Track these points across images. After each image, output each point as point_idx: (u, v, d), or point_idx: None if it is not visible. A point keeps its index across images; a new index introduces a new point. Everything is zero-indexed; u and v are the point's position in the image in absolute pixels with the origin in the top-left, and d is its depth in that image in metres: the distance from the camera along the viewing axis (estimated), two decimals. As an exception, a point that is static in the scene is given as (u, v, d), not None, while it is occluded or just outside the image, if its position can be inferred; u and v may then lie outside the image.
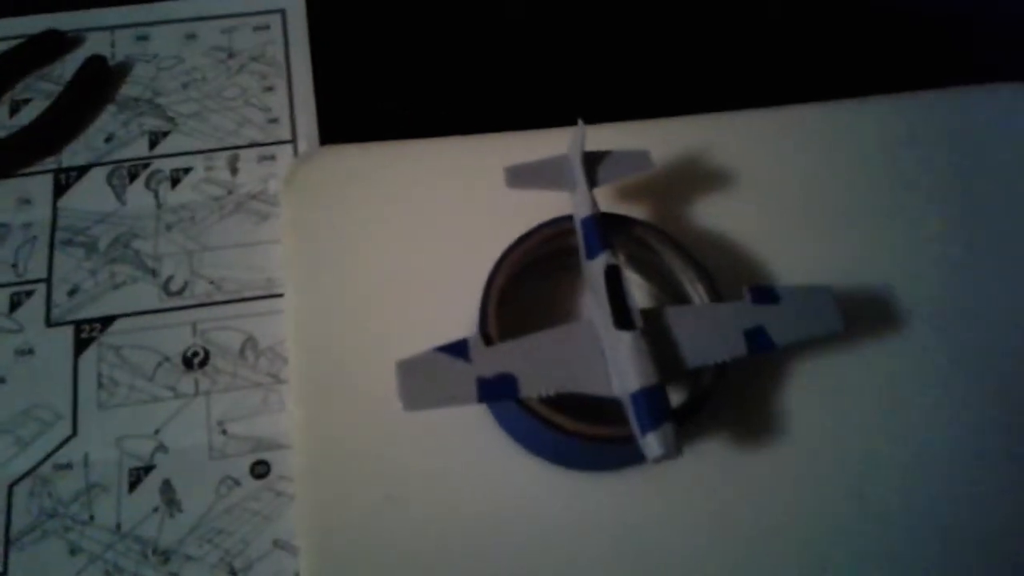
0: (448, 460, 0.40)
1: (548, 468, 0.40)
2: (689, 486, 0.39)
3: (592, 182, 0.41)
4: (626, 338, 0.36)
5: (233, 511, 0.39)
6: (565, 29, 0.54)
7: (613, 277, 0.38)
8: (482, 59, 0.53)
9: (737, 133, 0.48)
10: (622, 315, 0.37)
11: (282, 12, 0.53)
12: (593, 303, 0.39)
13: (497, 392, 0.36)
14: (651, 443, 0.34)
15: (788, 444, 0.40)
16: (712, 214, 0.46)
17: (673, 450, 0.34)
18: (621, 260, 0.40)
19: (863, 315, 0.43)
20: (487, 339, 0.38)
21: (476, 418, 0.40)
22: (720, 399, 0.39)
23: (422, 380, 0.36)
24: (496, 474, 0.40)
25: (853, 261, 0.45)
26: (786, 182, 0.47)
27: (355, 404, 0.40)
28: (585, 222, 0.40)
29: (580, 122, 0.41)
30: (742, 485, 0.39)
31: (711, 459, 0.40)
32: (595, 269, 0.39)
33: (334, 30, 0.53)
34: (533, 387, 0.36)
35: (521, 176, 0.42)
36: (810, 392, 0.41)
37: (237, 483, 0.40)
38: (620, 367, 0.36)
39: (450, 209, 0.45)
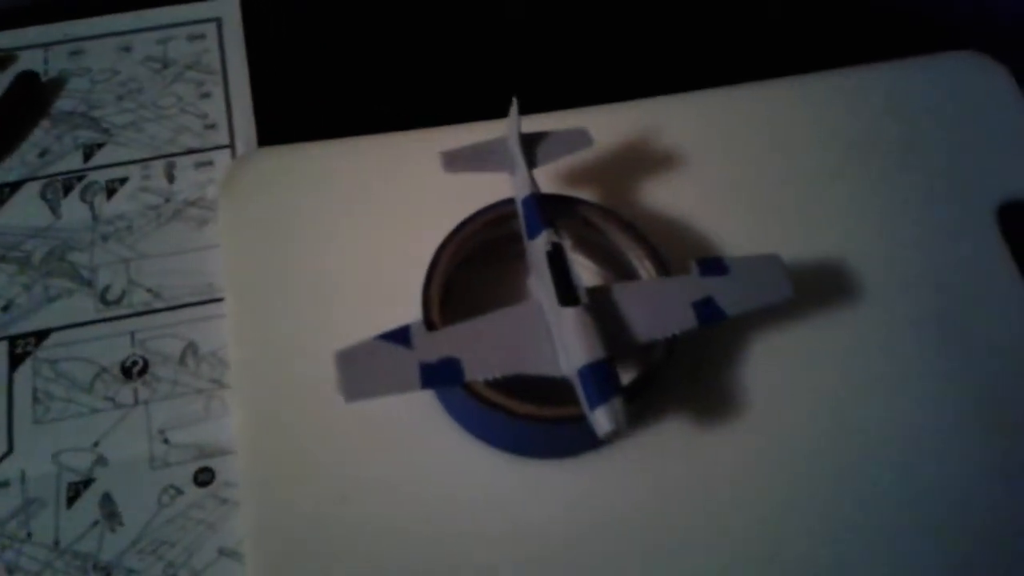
0: (399, 458, 0.38)
1: (503, 458, 0.38)
2: (647, 465, 0.38)
3: (531, 162, 0.40)
4: (570, 314, 0.35)
5: (176, 521, 0.38)
6: (495, 23, 0.54)
7: (555, 254, 0.37)
8: (415, 55, 0.52)
9: (677, 115, 0.47)
10: (566, 291, 0.36)
11: (217, 21, 0.52)
12: (538, 283, 0.38)
13: (441, 377, 0.35)
14: (600, 418, 0.33)
15: (744, 415, 0.39)
16: (657, 194, 0.45)
17: (623, 425, 0.33)
18: (568, 242, 0.39)
19: (813, 285, 0.42)
20: (430, 325, 0.37)
21: (427, 412, 0.39)
22: (672, 374, 0.38)
23: (362, 369, 0.35)
24: (450, 468, 0.38)
25: (802, 232, 0.44)
26: (730, 159, 0.46)
27: (301, 405, 0.39)
28: (525, 202, 0.39)
29: (514, 101, 0.40)
30: (700, 460, 0.38)
31: (667, 435, 0.39)
32: (537, 248, 0.38)
33: (270, 35, 0.52)
34: (478, 370, 0.35)
35: (458, 160, 0.41)
36: (763, 363, 0.40)
37: (180, 492, 0.38)
38: (566, 344, 0.35)
39: (390, 204, 0.44)
